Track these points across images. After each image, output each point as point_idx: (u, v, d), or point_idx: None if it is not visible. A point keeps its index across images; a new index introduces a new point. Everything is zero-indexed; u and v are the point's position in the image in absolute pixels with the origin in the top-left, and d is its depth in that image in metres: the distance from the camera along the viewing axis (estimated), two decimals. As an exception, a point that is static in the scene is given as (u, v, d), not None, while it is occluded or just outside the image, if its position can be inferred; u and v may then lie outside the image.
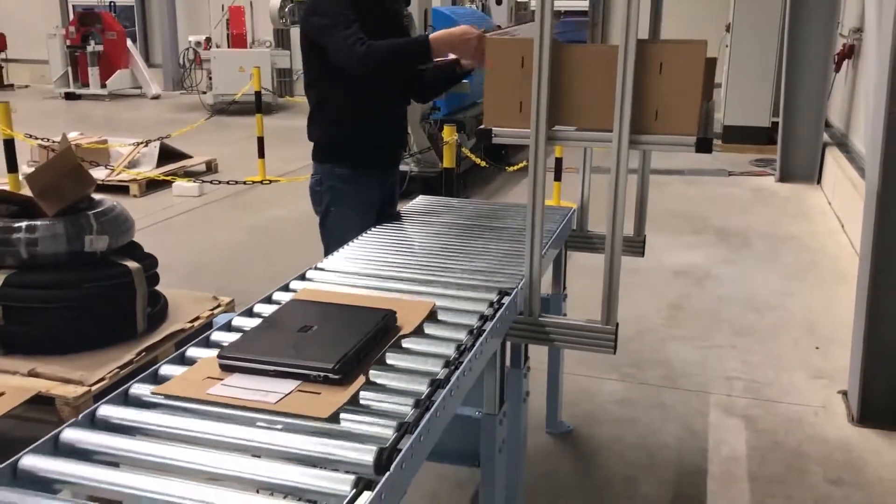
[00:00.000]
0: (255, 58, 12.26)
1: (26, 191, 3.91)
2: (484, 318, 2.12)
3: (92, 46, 13.72)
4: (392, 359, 1.83)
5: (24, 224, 3.57)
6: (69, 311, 3.62)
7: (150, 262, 3.98)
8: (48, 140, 6.59)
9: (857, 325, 3.51)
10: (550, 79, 2.13)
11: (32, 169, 6.29)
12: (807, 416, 3.50)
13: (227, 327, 2.05)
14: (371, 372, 1.72)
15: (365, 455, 1.45)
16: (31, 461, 1.38)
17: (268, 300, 2.23)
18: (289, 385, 1.62)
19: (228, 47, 13.27)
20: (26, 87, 16.08)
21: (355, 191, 3.07)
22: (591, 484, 3.04)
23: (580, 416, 3.49)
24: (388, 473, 1.39)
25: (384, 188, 3.19)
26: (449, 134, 4.96)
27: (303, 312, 1.96)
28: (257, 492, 1.36)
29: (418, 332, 1.97)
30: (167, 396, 1.62)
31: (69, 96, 14.12)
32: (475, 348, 1.91)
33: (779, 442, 3.29)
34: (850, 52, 8.05)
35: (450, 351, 1.89)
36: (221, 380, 1.65)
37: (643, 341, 4.24)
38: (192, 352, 1.88)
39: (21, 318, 3.58)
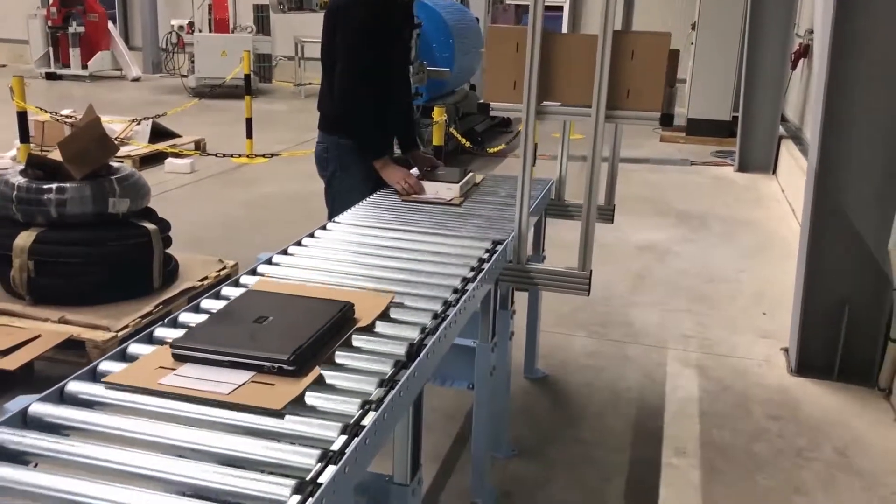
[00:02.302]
0: (238, 43, 12.54)
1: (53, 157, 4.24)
2: (482, 261, 2.55)
3: (73, 27, 13.89)
4: (356, 342, 1.87)
5: (54, 186, 3.92)
6: (94, 266, 3.98)
7: (164, 225, 4.35)
8: (55, 114, 6.89)
9: (797, 290, 4.00)
10: (540, 62, 2.56)
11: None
12: (752, 367, 3.99)
13: (269, 261, 2.45)
14: (336, 355, 1.76)
15: (398, 348, 1.86)
16: (74, 386, 1.64)
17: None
18: (243, 376, 1.61)
19: (210, 32, 13.52)
20: (3, 66, 16.14)
21: (358, 160, 3.49)
22: (564, 417, 3.50)
23: (554, 365, 3.95)
24: (417, 358, 1.82)
25: None
26: (439, 114, 5.39)
27: (259, 303, 1.93)
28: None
29: (390, 309, 2.05)
30: (118, 386, 1.60)
31: (50, 76, 14.27)
32: (476, 281, 2.34)
33: (727, 387, 3.77)
34: (806, 52, 8.62)
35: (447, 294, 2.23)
36: (174, 370, 1.64)
37: (610, 305, 4.71)
38: (206, 304, 2.10)
39: (50, 271, 3.92)
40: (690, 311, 4.70)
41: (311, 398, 1.62)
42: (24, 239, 3.88)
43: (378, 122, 3.43)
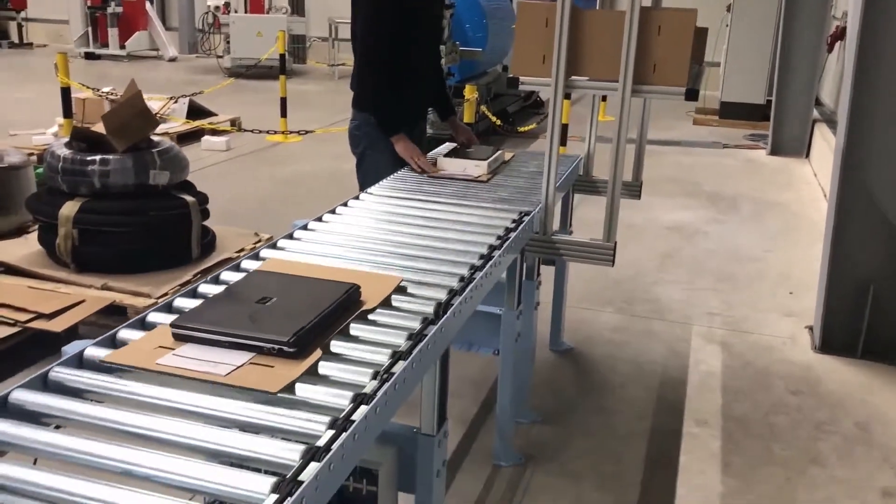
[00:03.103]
0: (273, 23, 12.68)
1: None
2: (508, 230, 2.63)
3: (112, 8, 14.16)
4: (356, 330, 1.82)
5: (97, 158, 4.08)
6: (135, 235, 4.14)
7: (202, 197, 4.49)
8: (97, 90, 7.09)
9: (822, 268, 4.04)
10: (569, 37, 2.63)
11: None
12: (776, 344, 4.04)
13: (304, 227, 2.57)
14: (333, 343, 1.72)
15: (427, 307, 1.97)
16: (125, 334, 1.77)
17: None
18: (242, 357, 1.58)
19: (246, 13, 13.68)
20: (44, 46, 16.47)
21: (387, 136, 3.58)
22: (587, 387, 3.59)
23: (580, 339, 4.03)
24: (444, 316, 1.91)
25: (412, 136, 3.70)
26: (470, 92, 5.46)
27: (264, 284, 1.90)
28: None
29: (400, 290, 2.03)
30: (116, 365, 1.60)
31: (89, 56, 14.55)
32: (502, 249, 2.43)
33: (750, 362, 3.83)
34: (842, 34, 8.52)
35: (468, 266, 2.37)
36: (173, 349, 1.61)
37: (636, 282, 4.78)
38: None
39: (93, 240, 4.09)
40: (717, 290, 4.74)
41: (342, 349, 1.72)
42: (69, 208, 4.04)
43: (399, 100, 3.49)
